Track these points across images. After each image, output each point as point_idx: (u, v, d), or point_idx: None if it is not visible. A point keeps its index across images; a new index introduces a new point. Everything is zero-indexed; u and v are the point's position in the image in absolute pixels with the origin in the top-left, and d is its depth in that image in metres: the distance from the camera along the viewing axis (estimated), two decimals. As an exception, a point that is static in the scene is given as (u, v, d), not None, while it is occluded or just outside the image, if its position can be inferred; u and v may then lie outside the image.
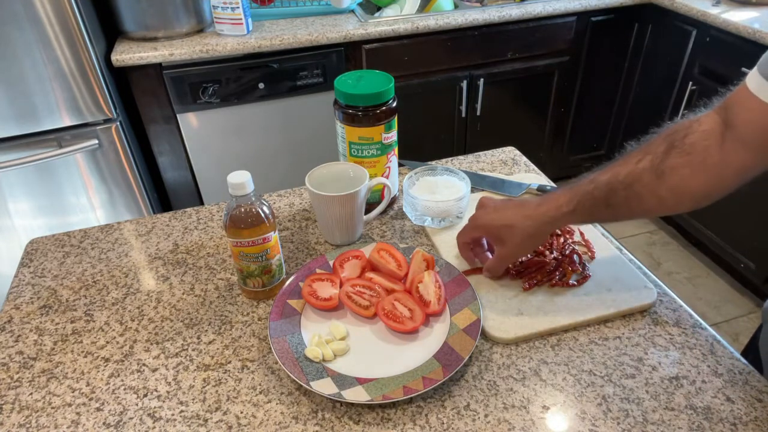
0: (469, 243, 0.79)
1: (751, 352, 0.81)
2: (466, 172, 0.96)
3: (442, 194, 0.89)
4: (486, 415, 0.62)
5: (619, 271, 0.79)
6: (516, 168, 1.07)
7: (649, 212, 0.68)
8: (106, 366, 0.70)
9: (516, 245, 0.72)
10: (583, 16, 2.14)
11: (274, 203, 0.99)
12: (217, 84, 1.82)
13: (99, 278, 0.84)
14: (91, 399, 0.66)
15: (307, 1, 2.01)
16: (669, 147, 0.63)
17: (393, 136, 0.89)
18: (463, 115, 2.21)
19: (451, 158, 1.10)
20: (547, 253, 0.81)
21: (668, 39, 2.15)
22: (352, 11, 2.02)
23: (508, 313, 0.73)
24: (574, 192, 0.68)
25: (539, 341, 0.71)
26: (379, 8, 2.17)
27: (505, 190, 0.97)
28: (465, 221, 0.90)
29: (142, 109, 1.82)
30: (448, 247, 0.85)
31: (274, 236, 0.74)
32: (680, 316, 0.74)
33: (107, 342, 0.73)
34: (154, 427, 0.62)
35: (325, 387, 0.63)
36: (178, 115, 1.85)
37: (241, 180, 0.70)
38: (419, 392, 0.62)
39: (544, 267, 0.79)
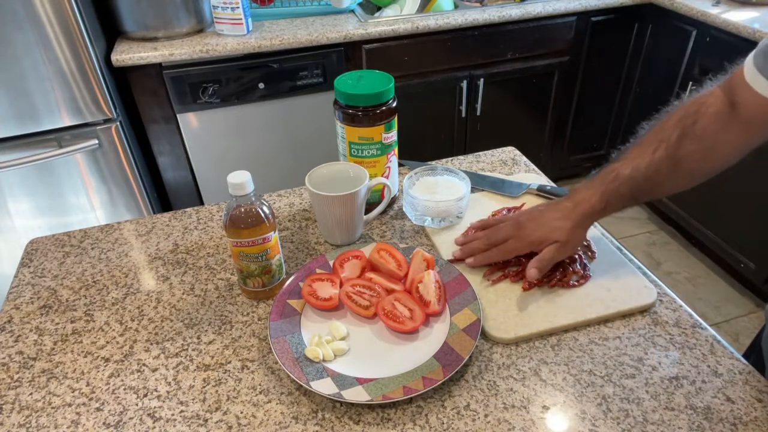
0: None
1: (753, 352, 0.80)
2: (466, 172, 0.96)
3: (442, 194, 0.89)
4: (486, 415, 0.62)
5: (619, 271, 0.79)
6: (516, 168, 1.07)
7: (667, 194, 0.83)
8: (106, 366, 0.70)
9: (564, 243, 0.75)
10: (583, 16, 2.14)
11: (274, 203, 0.99)
12: (217, 84, 1.82)
13: (99, 278, 0.84)
14: (91, 399, 0.66)
15: (307, 1, 2.01)
16: (681, 135, 0.70)
17: (393, 136, 0.89)
18: (463, 115, 2.21)
19: (451, 158, 1.10)
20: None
21: (668, 39, 2.15)
22: (352, 11, 2.02)
23: (508, 313, 0.73)
24: (603, 191, 0.74)
25: (539, 341, 0.71)
26: (379, 8, 2.17)
27: (505, 190, 0.97)
28: (465, 221, 0.90)
29: (142, 109, 1.82)
30: (448, 247, 0.85)
31: (274, 236, 0.74)
32: (680, 316, 0.74)
33: (107, 342, 0.73)
34: (154, 427, 0.62)
35: (325, 387, 0.63)
36: (178, 115, 1.85)
37: (241, 180, 0.70)
38: (419, 392, 0.62)
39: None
